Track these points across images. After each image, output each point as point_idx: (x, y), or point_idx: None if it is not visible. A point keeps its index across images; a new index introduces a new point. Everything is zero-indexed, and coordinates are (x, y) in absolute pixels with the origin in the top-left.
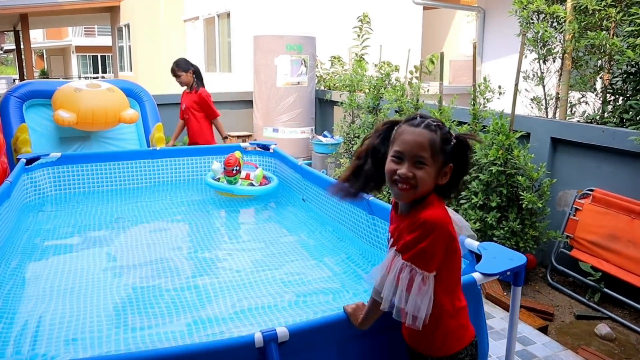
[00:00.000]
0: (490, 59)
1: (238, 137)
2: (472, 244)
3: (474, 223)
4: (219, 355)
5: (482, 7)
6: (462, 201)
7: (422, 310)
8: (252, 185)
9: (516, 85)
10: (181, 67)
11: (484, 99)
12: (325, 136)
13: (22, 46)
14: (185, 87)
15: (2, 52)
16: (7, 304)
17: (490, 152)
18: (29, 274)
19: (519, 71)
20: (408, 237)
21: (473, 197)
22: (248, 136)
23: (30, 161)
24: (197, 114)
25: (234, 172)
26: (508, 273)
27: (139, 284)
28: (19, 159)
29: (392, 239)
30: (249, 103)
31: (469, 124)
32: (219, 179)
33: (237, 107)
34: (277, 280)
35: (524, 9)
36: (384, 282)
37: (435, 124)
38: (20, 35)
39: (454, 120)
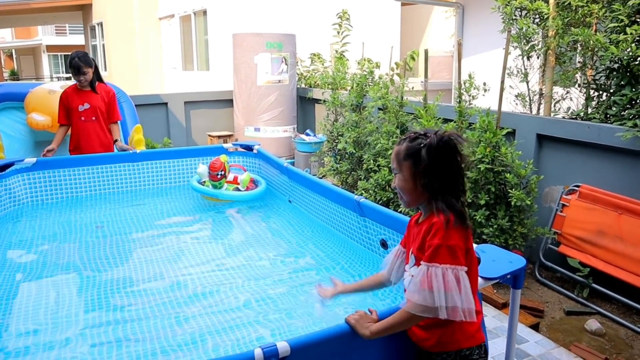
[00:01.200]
0: (470, 55)
1: (219, 137)
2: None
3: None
4: None
5: (461, 3)
6: None
7: (471, 301)
8: (238, 189)
9: (502, 82)
10: (87, 63)
11: (469, 96)
12: (307, 134)
13: None
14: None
15: None
16: None
17: (477, 149)
18: (12, 289)
19: (504, 68)
20: (432, 242)
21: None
22: (229, 136)
23: (3, 167)
24: (102, 115)
25: (219, 176)
26: (508, 276)
27: (124, 297)
28: None
29: (405, 252)
30: (229, 102)
31: (454, 122)
32: (204, 182)
33: (216, 106)
34: (265, 288)
35: (507, 5)
36: (432, 295)
37: (403, 137)
38: None
39: (440, 118)
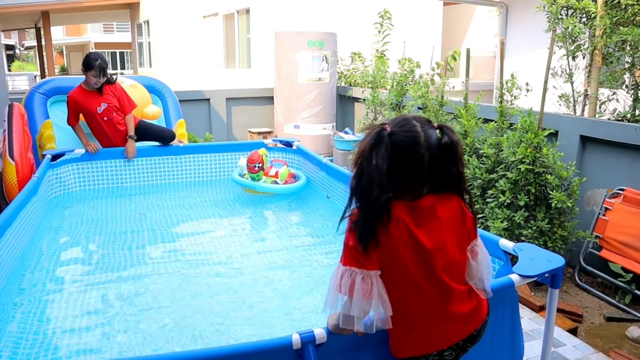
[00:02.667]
0: (514, 55)
1: (259, 133)
2: (507, 244)
3: (501, 222)
4: (257, 357)
5: (505, 2)
6: (488, 200)
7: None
8: (276, 183)
9: (545, 82)
10: (107, 64)
11: (511, 96)
12: (346, 133)
13: (43, 43)
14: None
15: (23, 48)
16: (34, 302)
17: (518, 150)
18: (56, 269)
19: (548, 67)
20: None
21: (500, 195)
22: (269, 132)
23: (55, 157)
24: (118, 109)
25: (256, 168)
26: (546, 275)
27: (163, 282)
28: (44, 155)
29: None
30: (269, 99)
31: (495, 121)
32: (245, 175)
33: (257, 103)
34: (302, 280)
35: (553, 4)
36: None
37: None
38: (42, 32)
39: (480, 118)
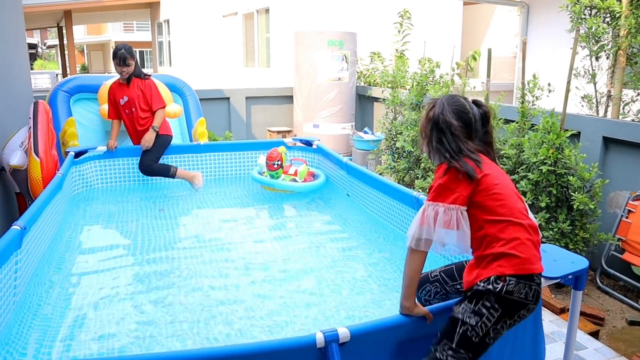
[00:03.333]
0: (534, 55)
1: (278, 132)
2: None
3: None
4: (280, 355)
5: (526, 2)
6: None
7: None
8: (295, 181)
9: (568, 82)
10: (132, 55)
11: (532, 96)
12: (366, 132)
13: (65, 42)
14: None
15: (45, 47)
16: (58, 296)
17: (540, 151)
18: (79, 263)
19: (571, 68)
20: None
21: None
22: (288, 132)
23: (78, 154)
24: (139, 107)
25: (275, 166)
26: (570, 277)
27: (184, 277)
28: (67, 152)
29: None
30: (289, 98)
31: (516, 122)
32: (264, 173)
33: (276, 102)
34: (324, 278)
35: (576, 3)
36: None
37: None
38: (64, 31)
39: (501, 118)
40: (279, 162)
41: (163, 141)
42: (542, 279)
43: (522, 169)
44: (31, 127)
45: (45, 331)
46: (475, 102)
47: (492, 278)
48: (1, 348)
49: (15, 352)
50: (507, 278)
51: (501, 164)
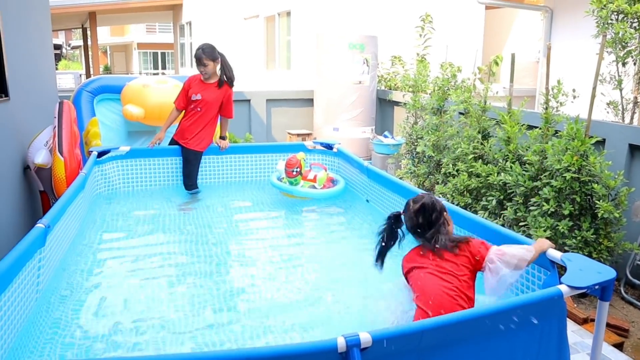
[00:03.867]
0: (558, 60)
1: (298, 135)
2: (554, 254)
3: (544, 231)
4: (301, 359)
5: (550, 6)
6: (531, 208)
7: None
8: (314, 187)
9: (594, 88)
10: (210, 55)
11: (557, 102)
12: (385, 136)
13: (89, 43)
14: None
15: (69, 48)
16: (78, 293)
17: (564, 157)
18: (100, 262)
19: (597, 74)
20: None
21: (544, 204)
22: (308, 134)
23: (101, 154)
24: (210, 110)
25: (294, 173)
26: (596, 287)
27: (203, 279)
28: (90, 152)
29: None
30: (309, 101)
31: (540, 128)
32: (283, 178)
33: (296, 105)
34: (344, 284)
35: (603, 8)
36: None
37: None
38: (88, 32)
39: (524, 124)
40: (298, 169)
41: (196, 162)
42: (568, 289)
43: (545, 176)
44: (56, 127)
45: (65, 328)
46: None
47: None
48: (23, 343)
49: (37, 348)
50: None
51: (523, 170)
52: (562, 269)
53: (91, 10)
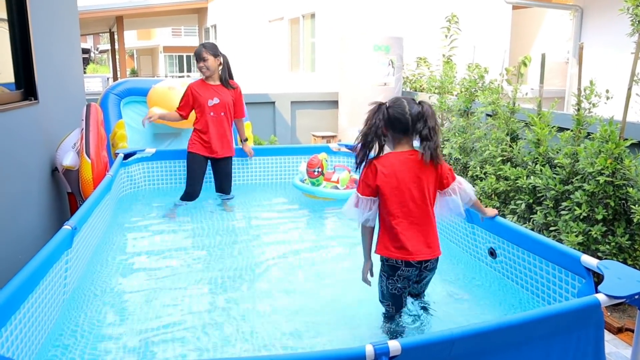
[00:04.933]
0: (588, 60)
1: (323, 137)
2: (590, 261)
3: (576, 236)
4: None
5: (580, 5)
6: (562, 212)
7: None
8: (337, 188)
9: (629, 89)
10: (211, 50)
11: (589, 103)
12: None
13: (116, 46)
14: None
15: (97, 52)
16: (107, 293)
17: (597, 160)
18: (125, 264)
19: (633, 74)
20: None
21: (576, 208)
22: (333, 136)
23: (127, 156)
24: (230, 111)
25: (316, 173)
26: (636, 297)
27: (228, 283)
28: (117, 154)
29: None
30: (333, 103)
31: (571, 130)
32: (306, 180)
33: (321, 107)
34: (368, 289)
35: (638, 5)
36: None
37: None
38: (116, 36)
39: (554, 126)
40: (320, 169)
41: (228, 172)
42: (606, 298)
43: (577, 179)
44: (83, 129)
45: (92, 329)
46: (420, 103)
47: None
48: (51, 345)
49: (64, 350)
50: None
51: (554, 173)
52: (597, 277)
53: (118, 14)
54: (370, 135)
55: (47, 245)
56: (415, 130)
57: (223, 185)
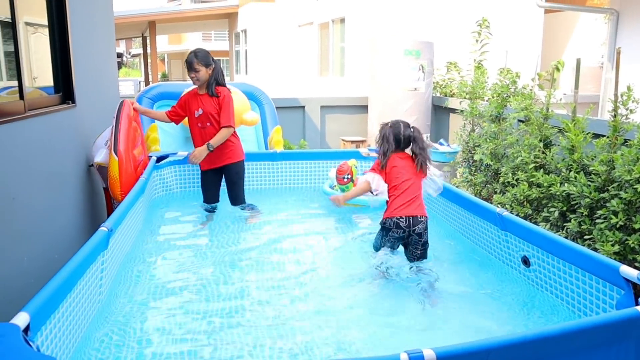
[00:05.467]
0: (625, 64)
1: (352, 142)
2: (630, 272)
3: (612, 245)
4: None
5: (616, 8)
6: (598, 220)
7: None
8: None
9: None
10: (203, 60)
11: (626, 109)
12: (441, 144)
13: (148, 51)
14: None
15: (130, 56)
16: (138, 296)
17: (634, 168)
18: (157, 265)
19: None
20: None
21: (612, 216)
22: (362, 141)
23: (159, 159)
24: (216, 121)
25: (345, 180)
26: None
27: (261, 288)
28: (150, 157)
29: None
30: (363, 108)
31: (607, 137)
32: (335, 186)
33: (350, 111)
34: (405, 296)
35: None
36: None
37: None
38: (148, 40)
39: (589, 132)
40: (349, 176)
41: (244, 169)
42: None
43: (612, 187)
44: (114, 126)
45: (125, 329)
46: (413, 128)
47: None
48: (87, 345)
49: (97, 351)
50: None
51: (589, 181)
52: (634, 287)
53: (151, 19)
54: (385, 145)
55: (84, 246)
56: (407, 146)
57: (230, 195)
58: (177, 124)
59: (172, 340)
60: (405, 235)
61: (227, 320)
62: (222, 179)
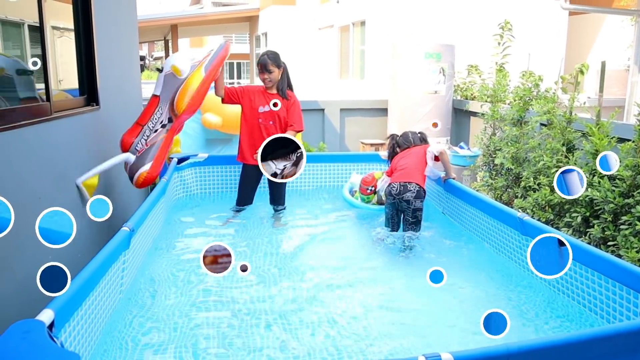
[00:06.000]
0: None
1: (371, 145)
2: None
3: (637, 252)
4: None
5: None
6: (622, 227)
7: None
8: (382, 204)
9: None
10: (276, 62)
11: None
12: (461, 148)
13: (170, 54)
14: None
15: (152, 59)
16: (157, 296)
17: None
18: (175, 264)
19: None
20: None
21: (637, 222)
22: (382, 144)
23: (180, 160)
24: (280, 122)
25: (369, 191)
26: None
27: (279, 290)
28: (171, 158)
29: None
30: (382, 111)
31: (633, 141)
32: (355, 192)
33: (370, 114)
34: (425, 299)
35: None
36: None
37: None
38: (170, 44)
39: (614, 137)
40: (373, 188)
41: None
42: None
43: (638, 193)
44: (213, 51)
45: (143, 326)
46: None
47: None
48: (106, 340)
49: (115, 348)
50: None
51: (613, 186)
52: None
53: (173, 23)
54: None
55: (107, 246)
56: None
57: (272, 195)
58: (223, 102)
59: (190, 336)
60: (396, 202)
61: (254, 320)
62: (261, 179)
